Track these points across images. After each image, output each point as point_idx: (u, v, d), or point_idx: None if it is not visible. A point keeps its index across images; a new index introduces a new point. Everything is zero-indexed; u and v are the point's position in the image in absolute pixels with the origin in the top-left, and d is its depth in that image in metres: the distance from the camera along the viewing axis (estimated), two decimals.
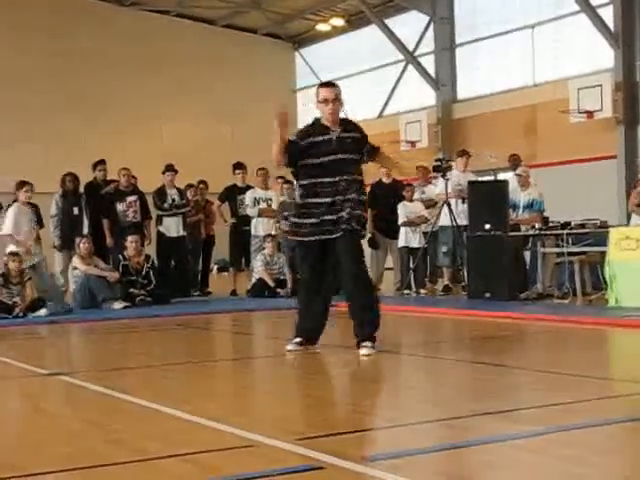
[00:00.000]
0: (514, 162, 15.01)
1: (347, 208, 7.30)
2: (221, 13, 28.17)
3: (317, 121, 7.62)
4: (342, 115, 7.65)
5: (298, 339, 7.61)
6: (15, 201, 13.05)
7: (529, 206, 13.42)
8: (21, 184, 12.92)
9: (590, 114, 19.94)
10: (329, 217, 7.35)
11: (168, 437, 4.44)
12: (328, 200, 7.35)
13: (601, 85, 19.83)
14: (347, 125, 7.62)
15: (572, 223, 12.57)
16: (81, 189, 14.80)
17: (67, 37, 25.63)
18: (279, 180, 15.84)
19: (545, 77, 22.13)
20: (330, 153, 7.40)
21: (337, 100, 7.47)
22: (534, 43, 22.64)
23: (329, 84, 7.74)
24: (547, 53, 22.28)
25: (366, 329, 7.35)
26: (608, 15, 20.35)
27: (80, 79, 25.68)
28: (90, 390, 5.99)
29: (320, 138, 7.44)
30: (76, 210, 14.41)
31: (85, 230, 14.10)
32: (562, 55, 21.70)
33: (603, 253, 11.57)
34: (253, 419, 4.90)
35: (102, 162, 15.19)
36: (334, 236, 7.34)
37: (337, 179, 7.36)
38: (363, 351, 7.13)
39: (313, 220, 7.42)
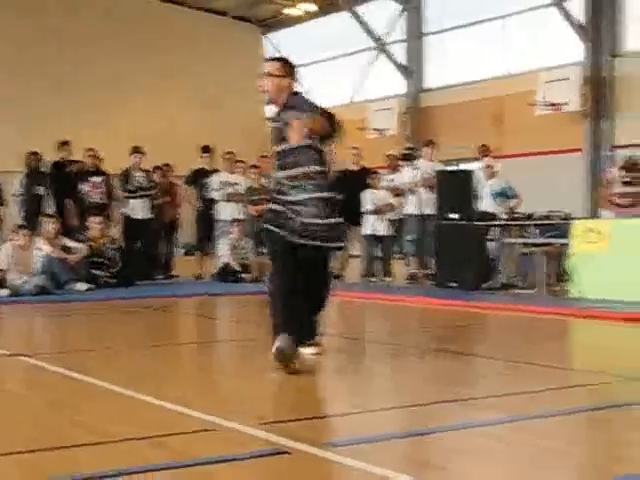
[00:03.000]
0: (484, 152, 15.02)
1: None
2: None
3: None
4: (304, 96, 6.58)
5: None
6: None
7: (502, 194, 13.52)
8: None
9: (557, 107, 20.07)
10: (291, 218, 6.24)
11: (132, 420, 4.43)
12: (289, 199, 6.25)
13: (569, 78, 19.95)
14: (294, 105, 6.43)
15: (537, 214, 12.67)
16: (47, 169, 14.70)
17: (36, 15, 25.30)
18: (241, 164, 15.80)
19: (514, 69, 22.20)
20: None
21: (278, 77, 6.45)
22: (504, 34, 22.70)
23: (273, 58, 6.89)
24: (517, 45, 22.35)
25: (318, 331, 6.48)
26: (578, 9, 20.46)
27: (48, 57, 25.39)
28: (53, 372, 5.96)
29: (275, 124, 6.50)
30: (41, 190, 14.30)
31: (48, 210, 13.99)
32: (532, 47, 21.76)
33: (567, 245, 11.66)
34: (217, 403, 4.90)
35: (67, 143, 15.08)
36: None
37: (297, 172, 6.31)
38: (310, 350, 6.35)
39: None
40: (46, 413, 4.72)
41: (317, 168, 6.29)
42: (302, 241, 6.12)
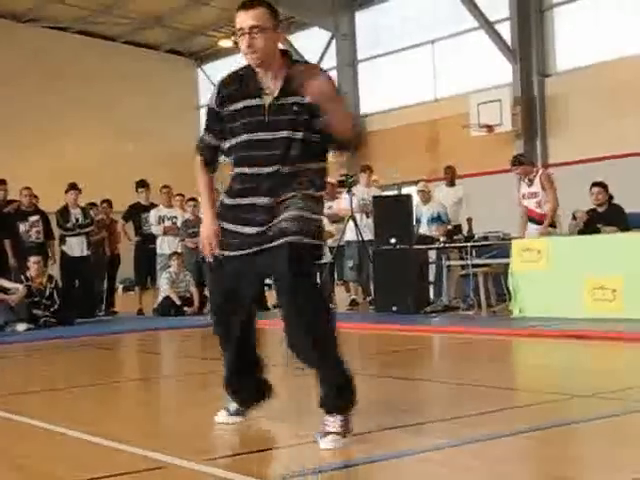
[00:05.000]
0: (451, 175, 14.97)
1: (286, 211, 4.56)
2: (122, 30, 27.94)
3: (248, 70, 4.75)
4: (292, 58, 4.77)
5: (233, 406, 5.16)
6: None
7: (436, 219, 13.65)
8: None
9: (490, 128, 20.33)
10: (256, 229, 4.61)
11: (76, 460, 4.37)
12: (259, 202, 4.64)
13: (500, 100, 20.24)
14: (292, 79, 4.59)
15: (475, 236, 12.80)
16: None
17: None
18: (179, 197, 15.82)
19: (446, 92, 22.46)
20: (259, 128, 4.64)
21: (263, 30, 4.55)
22: (434, 59, 22.99)
23: (246, 4, 4.59)
24: (447, 68, 22.63)
25: (340, 399, 4.61)
26: (506, 31, 20.78)
27: None
28: None
29: (246, 103, 4.67)
30: None
31: None
32: (462, 70, 22.05)
33: (506, 265, 11.78)
34: (162, 440, 4.85)
35: (2, 182, 14.95)
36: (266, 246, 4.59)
37: (272, 169, 4.63)
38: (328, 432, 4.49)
39: (233, 227, 4.72)
40: None
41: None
42: None
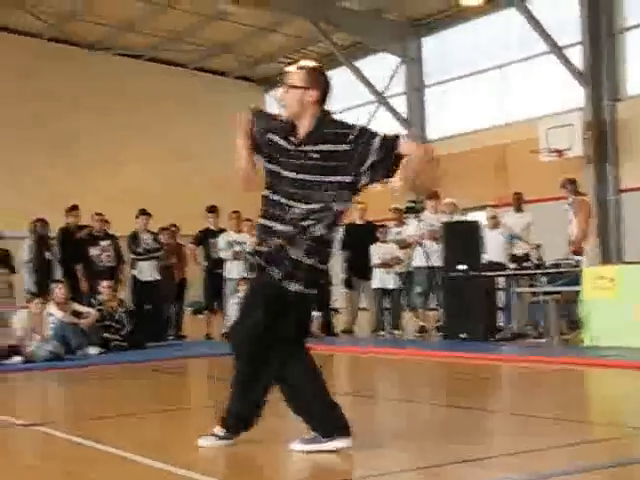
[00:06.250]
0: (518, 201, 14.91)
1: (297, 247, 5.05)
2: (192, 56, 28.27)
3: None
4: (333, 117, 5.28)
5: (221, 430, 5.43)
6: None
7: (512, 237, 13.71)
8: None
9: (560, 153, 20.12)
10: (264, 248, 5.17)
11: None
12: (279, 227, 5.11)
13: (571, 124, 20.02)
14: (323, 131, 5.13)
15: (545, 262, 12.67)
16: (51, 234, 14.78)
17: (36, 78, 25.50)
18: (248, 222, 15.88)
19: (515, 116, 22.30)
20: (286, 167, 5.16)
21: (293, 87, 5.17)
22: (503, 83, 22.86)
23: (296, 67, 5.26)
24: (517, 93, 22.48)
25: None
26: (576, 55, 20.59)
27: (50, 121, 25.55)
28: (66, 440, 5.94)
29: (279, 140, 5.25)
30: (48, 255, 14.36)
31: (58, 275, 14.05)
32: (532, 94, 21.88)
33: (578, 292, 11.63)
34: (233, 469, 4.87)
35: (75, 208, 15.17)
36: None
37: (290, 203, 5.10)
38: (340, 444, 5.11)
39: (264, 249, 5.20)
40: None
41: None
42: None
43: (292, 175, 5.09)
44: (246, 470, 4.85)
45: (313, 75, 5.15)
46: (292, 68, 5.22)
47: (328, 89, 5.21)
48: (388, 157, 4.98)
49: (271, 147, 5.23)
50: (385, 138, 5.03)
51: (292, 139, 5.16)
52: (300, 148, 5.11)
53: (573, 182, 12.72)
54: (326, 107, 5.22)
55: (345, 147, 5.01)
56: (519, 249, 13.96)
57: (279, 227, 5.09)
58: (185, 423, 6.96)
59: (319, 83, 5.16)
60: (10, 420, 7.04)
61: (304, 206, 5.05)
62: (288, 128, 5.20)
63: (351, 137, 5.03)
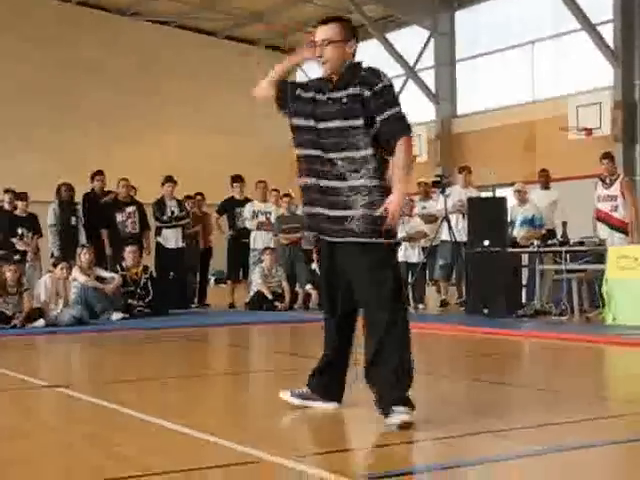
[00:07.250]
0: (545, 178, 14.77)
1: (356, 204, 4.98)
2: (223, 25, 28.22)
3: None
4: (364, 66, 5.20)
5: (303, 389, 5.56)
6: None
7: (529, 222, 13.47)
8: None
9: (589, 131, 19.99)
10: (321, 210, 5.14)
11: (170, 452, 4.44)
12: (320, 184, 5.14)
13: (600, 103, 19.88)
14: (353, 75, 5.11)
15: (570, 240, 12.63)
16: (77, 199, 14.83)
17: (68, 47, 25.53)
18: (274, 193, 15.90)
19: (544, 94, 22.17)
20: (318, 117, 5.15)
21: (331, 43, 5.14)
22: (534, 59, 22.71)
23: (326, 21, 5.28)
24: (547, 70, 22.34)
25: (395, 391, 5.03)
26: (608, 33, 20.41)
27: (80, 89, 25.61)
28: (89, 403, 5.99)
29: (309, 94, 5.26)
30: (73, 220, 14.41)
31: (83, 240, 14.11)
32: (562, 72, 21.74)
33: (601, 271, 11.60)
34: (252, 434, 4.90)
35: (100, 173, 15.19)
36: (336, 240, 5.14)
37: (331, 156, 5.09)
38: (395, 419, 4.85)
39: (307, 209, 5.30)
40: (82, 445, 4.74)
41: None
42: None
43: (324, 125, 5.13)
44: (265, 434, 4.88)
45: (348, 27, 5.25)
46: (322, 25, 5.23)
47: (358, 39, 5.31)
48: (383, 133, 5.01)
49: (300, 101, 5.27)
50: (395, 119, 5.01)
51: (325, 90, 5.19)
52: (332, 95, 5.14)
53: (612, 157, 12.66)
54: None
55: (367, 93, 5.01)
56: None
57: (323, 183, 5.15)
58: (207, 389, 7.00)
59: (354, 34, 5.26)
60: (34, 381, 7.11)
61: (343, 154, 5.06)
62: (322, 83, 5.24)
63: (378, 86, 5.03)
